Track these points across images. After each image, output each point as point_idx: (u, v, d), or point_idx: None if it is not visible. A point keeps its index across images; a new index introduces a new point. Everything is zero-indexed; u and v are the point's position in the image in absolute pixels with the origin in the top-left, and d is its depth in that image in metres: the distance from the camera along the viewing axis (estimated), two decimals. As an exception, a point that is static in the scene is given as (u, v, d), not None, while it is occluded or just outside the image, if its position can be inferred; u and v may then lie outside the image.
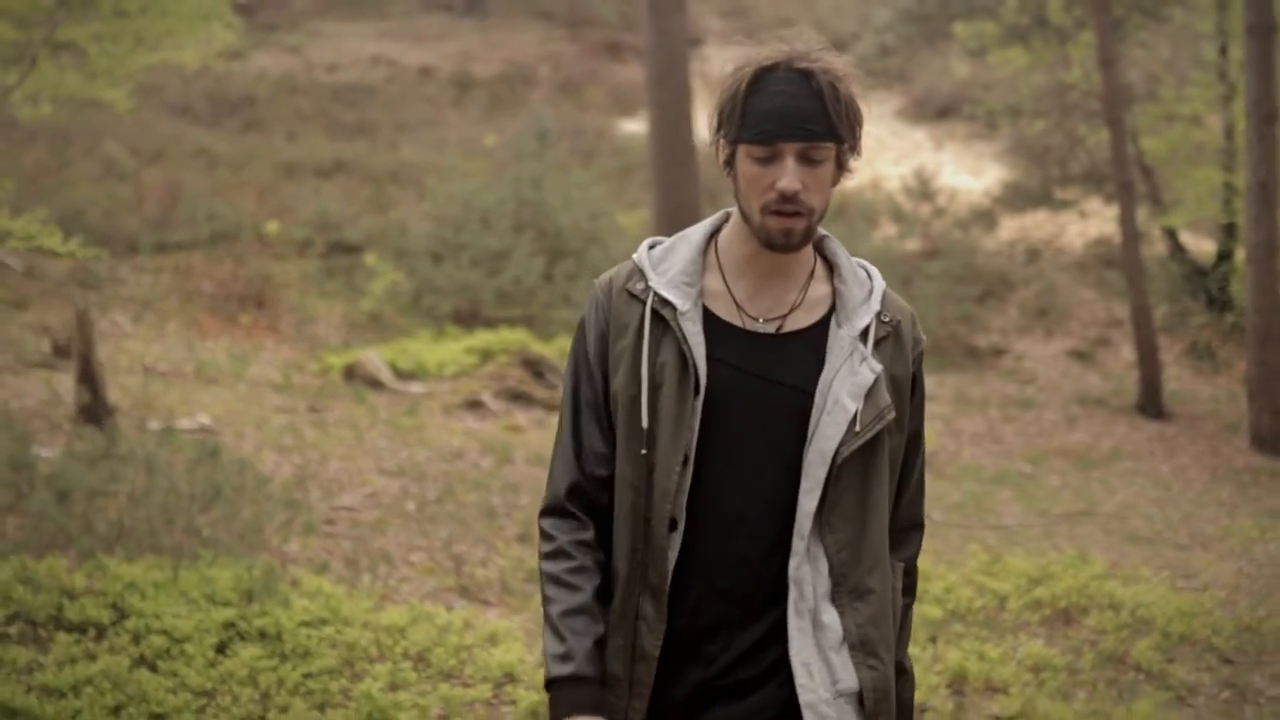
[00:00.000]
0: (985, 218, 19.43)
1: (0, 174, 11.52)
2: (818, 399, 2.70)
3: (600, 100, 23.67)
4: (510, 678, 5.74)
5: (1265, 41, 13.29)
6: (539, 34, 26.85)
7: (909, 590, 2.91)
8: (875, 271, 2.85)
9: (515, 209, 15.25)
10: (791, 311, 2.76)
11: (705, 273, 2.79)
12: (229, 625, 5.58)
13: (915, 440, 2.86)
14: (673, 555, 2.68)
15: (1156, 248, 18.06)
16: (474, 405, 12.07)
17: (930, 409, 11.87)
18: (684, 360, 2.70)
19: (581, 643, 2.71)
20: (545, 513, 2.82)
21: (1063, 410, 14.42)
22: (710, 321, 2.74)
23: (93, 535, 6.17)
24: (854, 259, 2.86)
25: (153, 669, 5.19)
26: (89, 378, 9.65)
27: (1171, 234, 17.80)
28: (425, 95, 23.53)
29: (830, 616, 2.69)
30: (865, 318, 2.75)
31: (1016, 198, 19.93)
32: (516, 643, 6.07)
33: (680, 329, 2.71)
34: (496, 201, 15.29)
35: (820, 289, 2.79)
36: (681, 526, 2.68)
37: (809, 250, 2.79)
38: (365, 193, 18.13)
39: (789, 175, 2.62)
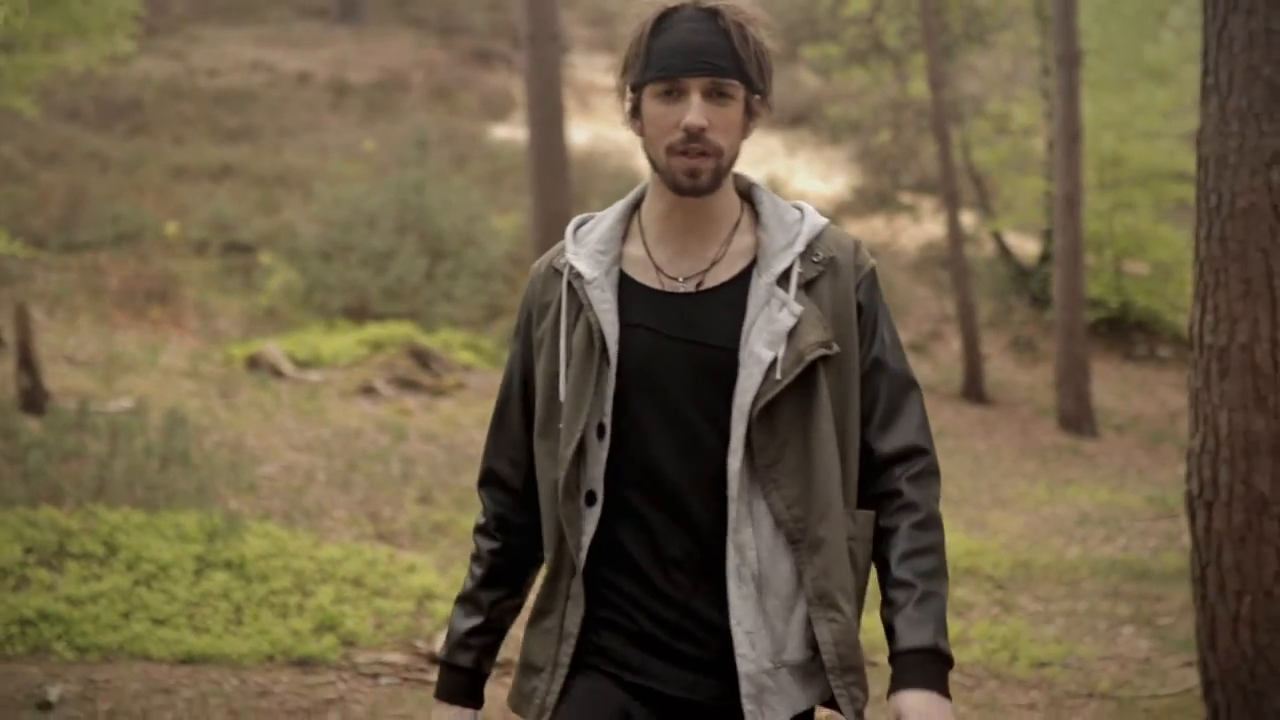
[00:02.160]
0: (831, 221, 20.76)
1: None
2: (740, 355, 2.58)
3: (472, 106, 24.08)
4: (428, 596, 7.16)
5: (1072, 70, 14.95)
6: (412, 41, 27.15)
7: (928, 524, 2.72)
8: (810, 209, 2.73)
9: (398, 212, 16.11)
10: (711, 267, 2.65)
11: (627, 240, 2.69)
12: (200, 558, 6.92)
13: (879, 366, 2.68)
14: (589, 529, 2.59)
15: (986, 250, 19.57)
16: (368, 391, 13.20)
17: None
18: (591, 328, 2.61)
19: (455, 631, 2.81)
20: (479, 484, 2.88)
21: (895, 396, 15.83)
22: (628, 287, 2.65)
23: (76, 490, 7.46)
24: (790, 201, 2.75)
25: (148, 587, 6.55)
26: (28, 365, 10.79)
27: (998, 237, 19.40)
28: (304, 101, 23.80)
29: (780, 579, 2.57)
30: (784, 262, 2.62)
31: (859, 202, 21.35)
32: (430, 572, 7.50)
33: (586, 296, 2.62)
34: (380, 205, 16.30)
35: (744, 240, 2.67)
36: (600, 500, 2.59)
37: (733, 201, 2.69)
38: (254, 195, 18.91)
39: (694, 110, 2.53)
